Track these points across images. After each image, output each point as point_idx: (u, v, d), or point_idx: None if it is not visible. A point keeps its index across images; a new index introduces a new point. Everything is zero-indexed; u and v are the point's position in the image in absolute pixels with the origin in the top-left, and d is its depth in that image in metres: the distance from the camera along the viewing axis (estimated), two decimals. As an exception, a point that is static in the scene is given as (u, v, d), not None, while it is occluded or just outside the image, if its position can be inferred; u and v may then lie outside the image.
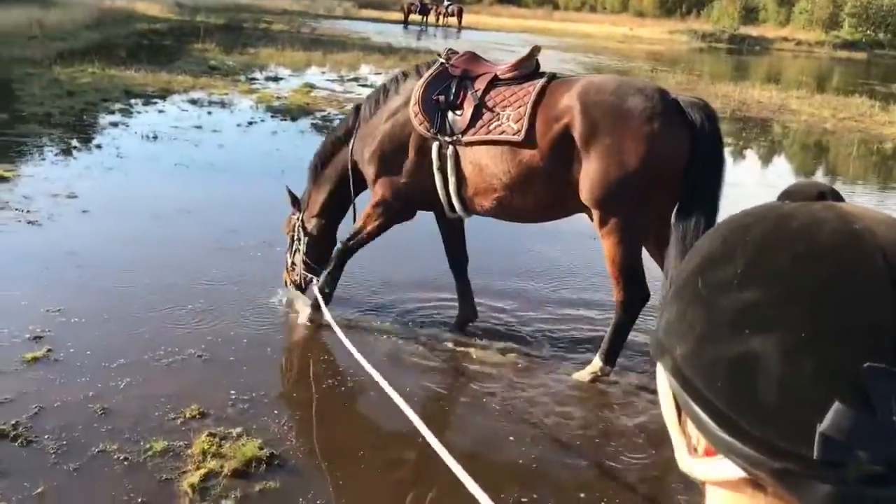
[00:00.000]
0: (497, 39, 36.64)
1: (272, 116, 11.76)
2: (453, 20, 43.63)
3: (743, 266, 0.59)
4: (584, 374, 4.28)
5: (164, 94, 12.95)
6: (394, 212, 4.53)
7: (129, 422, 3.58)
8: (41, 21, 22.00)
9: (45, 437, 3.39)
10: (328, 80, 16.85)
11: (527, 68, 4.26)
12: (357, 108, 4.72)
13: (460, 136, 4.12)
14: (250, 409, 3.79)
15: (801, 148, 14.04)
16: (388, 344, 4.59)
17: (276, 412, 3.79)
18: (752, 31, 60.84)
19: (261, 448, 3.39)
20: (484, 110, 4.10)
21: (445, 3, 44.88)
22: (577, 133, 3.83)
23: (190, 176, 8.00)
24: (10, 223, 6.06)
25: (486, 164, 4.07)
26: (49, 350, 4.13)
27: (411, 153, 4.32)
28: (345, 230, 4.91)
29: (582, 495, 3.34)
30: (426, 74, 4.34)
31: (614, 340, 4.18)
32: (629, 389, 4.27)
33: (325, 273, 4.70)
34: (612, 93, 3.85)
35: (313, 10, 48.50)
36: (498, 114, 4.03)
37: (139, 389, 3.86)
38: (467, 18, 47.22)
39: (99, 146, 8.95)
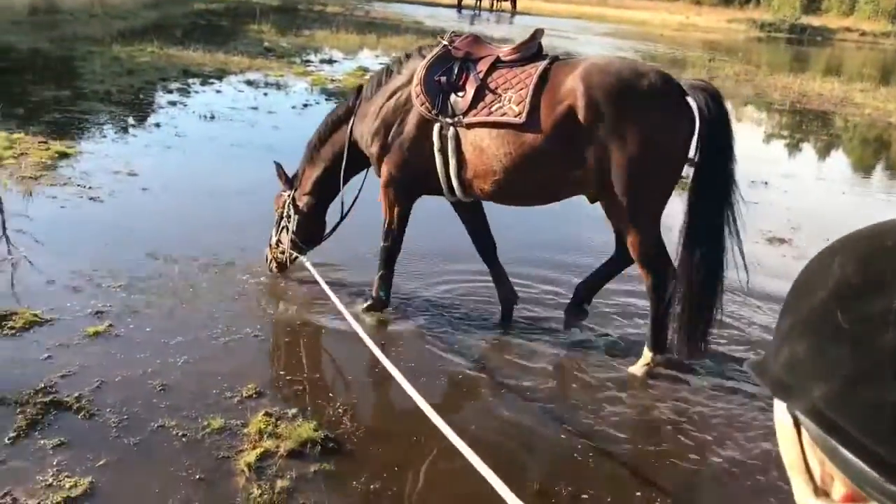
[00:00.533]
0: (551, 24, 36.28)
1: (326, 99, 11.81)
2: (507, 5, 43.23)
3: None
4: (637, 368, 4.24)
5: (221, 74, 13.09)
6: (405, 188, 4.46)
7: (187, 398, 3.63)
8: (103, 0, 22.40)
9: (107, 410, 3.46)
10: (381, 63, 16.83)
11: (529, 50, 4.23)
12: (359, 89, 4.69)
13: (461, 117, 4.09)
14: (305, 390, 3.83)
15: (862, 142, 13.64)
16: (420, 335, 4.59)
17: (330, 395, 3.81)
18: (814, 20, 59.21)
19: (316, 430, 3.42)
20: (486, 92, 4.07)
21: None
22: (579, 115, 3.80)
23: (246, 156, 8.07)
24: (73, 199, 6.19)
25: (486, 147, 4.03)
26: (110, 325, 4.21)
27: (413, 133, 4.28)
28: (333, 213, 4.96)
29: (637, 493, 3.31)
30: (429, 56, 4.32)
31: (657, 327, 4.13)
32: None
33: (377, 278, 4.64)
34: (613, 75, 3.82)
35: (366, -7, 48.54)
36: (500, 96, 4.01)
37: (197, 367, 3.92)
38: (522, 3, 46.79)
39: (157, 125, 9.09)
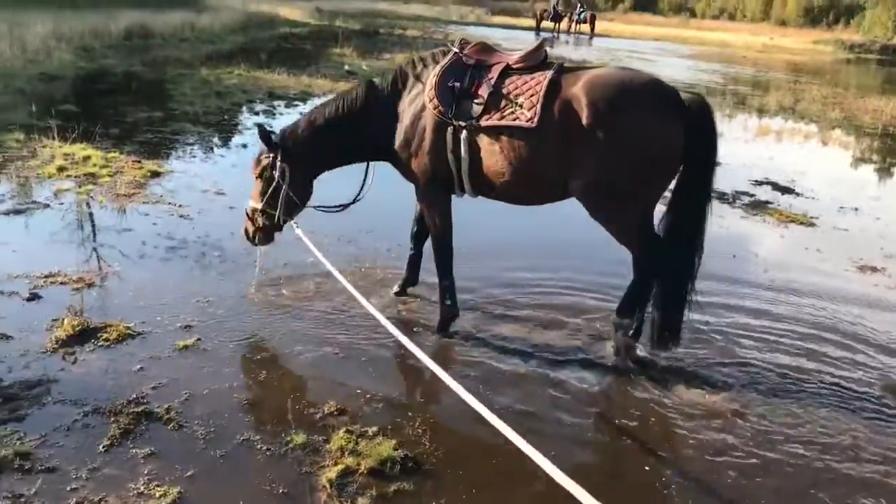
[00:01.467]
0: (631, 47, 36.01)
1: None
2: (585, 27, 43.22)
3: None
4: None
5: (305, 96, 13.41)
6: (436, 189, 4.58)
7: (271, 413, 3.71)
8: (193, 24, 23.30)
9: (195, 422, 3.57)
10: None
11: (536, 59, 4.39)
12: (370, 85, 4.70)
13: (475, 121, 4.23)
14: (386, 408, 3.86)
15: (962, 168, 13.06)
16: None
17: (409, 414, 3.83)
18: (907, 41, 57.19)
19: (396, 448, 3.44)
20: (499, 97, 4.23)
21: (577, 9, 44.51)
22: (583, 121, 3.99)
23: (327, 176, 8.20)
24: (164, 216, 6.42)
25: (499, 148, 4.21)
26: (198, 339, 4.34)
27: (431, 137, 4.39)
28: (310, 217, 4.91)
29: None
30: (442, 62, 4.43)
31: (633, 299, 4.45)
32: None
33: (440, 289, 4.73)
34: (614, 85, 4.03)
35: (446, 17, 49.21)
36: (512, 101, 4.18)
37: (280, 382, 4.01)
38: (601, 26, 46.68)
39: (244, 145, 9.35)
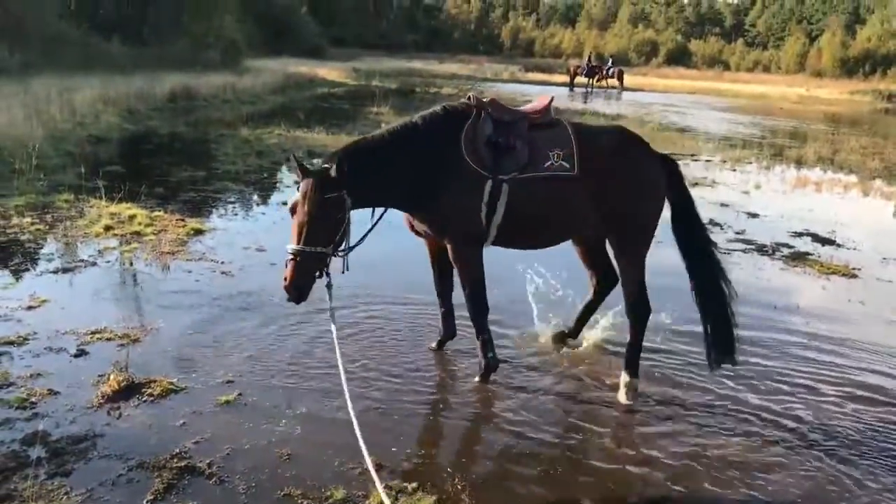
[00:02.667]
0: (665, 100, 36.17)
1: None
2: (614, 81, 43.59)
3: None
4: (622, 395, 4.78)
5: (343, 154, 13.63)
6: (471, 243, 4.58)
7: (311, 469, 3.73)
8: (233, 86, 23.97)
9: (236, 477, 3.60)
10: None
11: (550, 114, 4.73)
12: (396, 131, 4.49)
13: (517, 174, 4.42)
14: (424, 464, 3.86)
15: None
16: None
17: (449, 469, 3.82)
18: (946, 90, 56.67)
19: (435, 505, 3.43)
20: (536, 150, 4.49)
21: (607, 65, 45.05)
22: (607, 165, 4.55)
23: (374, 232, 8.32)
24: (207, 273, 6.55)
25: (540, 198, 4.48)
26: (239, 394, 4.40)
27: (469, 192, 4.42)
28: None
29: None
30: (473, 118, 4.50)
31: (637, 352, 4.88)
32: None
33: (482, 344, 4.74)
34: (617, 138, 4.79)
35: (480, 74, 49.98)
36: (547, 153, 4.49)
37: (320, 437, 4.03)
38: (635, 80, 47.09)
39: (284, 203, 9.53)
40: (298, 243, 4.05)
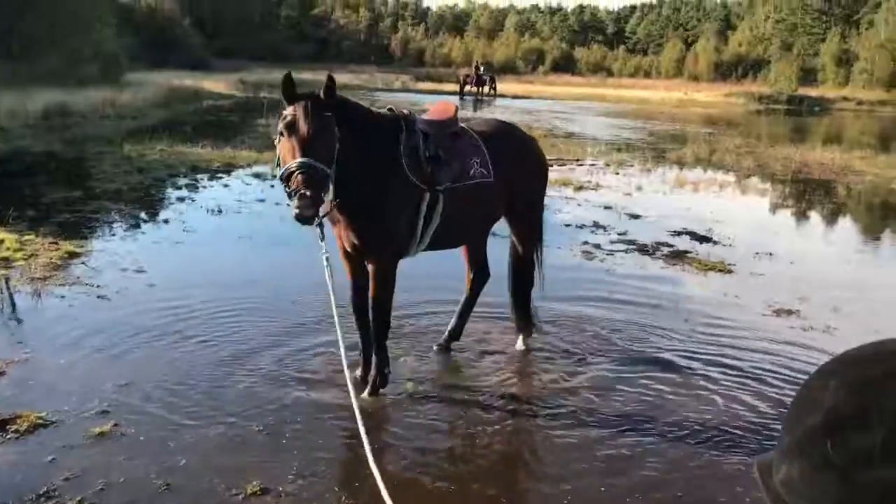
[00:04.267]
0: (551, 107, 37.05)
1: (332, 188, 11.98)
2: (486, 89, 44.02)
3: (884, 436, 0.54)
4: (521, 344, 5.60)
5: (229, 168, 13.35)
6: (396, 254, 4.65)
7: (191, 498, 3.59)
8: (113, 101, 23.08)
9: (110, 513, 3.42)
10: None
11: (457, 123, 4.93)
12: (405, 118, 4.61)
13: (451, 184, 4.59)
14: (311, 485, 3.77)
15: (866, 209, 13.71)
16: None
17: (336, 489, 3.75)
18: (812, 91, 60.28)
19: (321, 526, 3.35)
20: (460, 159, 4.71)
21: (481, 72, 45.51)
22: (511, 162, 5.00)
23: (253, 248, 8.18)
24: (81, 297, 6.25)
25: (469, 204, 4.74)
26: (115, 425, 4.19)
27: (408, 204, 4.49)
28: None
29: None
30: (406, 132, 4.50)
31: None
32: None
33: (381, 360, 4.74)
34: (513, 131, 5.49)
35: (372, 84, 49.86)
36: (470, 162, 4.76)
37: (201, 464, 3.88)
38: (524, 88, 48.00)
39: (166, 221, 9.24)
40: (304, 158, 3.85)
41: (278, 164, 4.01)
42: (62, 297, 6.26)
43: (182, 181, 12.01)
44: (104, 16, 33.33)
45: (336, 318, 3.80)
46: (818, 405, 0.59)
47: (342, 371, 4.93)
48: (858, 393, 0.56)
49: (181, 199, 10.60)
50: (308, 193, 3.77)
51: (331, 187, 4.10)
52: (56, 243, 7.75)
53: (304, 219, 3.82)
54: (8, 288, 6.41)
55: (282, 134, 3.98)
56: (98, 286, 6.54)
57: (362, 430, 3.11)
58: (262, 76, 43.60)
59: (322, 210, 3.99)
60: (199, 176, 12.49)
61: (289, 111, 3.97)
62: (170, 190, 11.39)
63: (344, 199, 4.27)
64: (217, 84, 36.82)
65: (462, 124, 5.04)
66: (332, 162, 3.99)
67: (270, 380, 4.88)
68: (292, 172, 3.86)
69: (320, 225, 4.05)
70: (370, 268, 4.56)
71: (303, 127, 3.89)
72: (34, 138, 16.08)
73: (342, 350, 3.73)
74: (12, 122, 17.27)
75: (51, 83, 23.04)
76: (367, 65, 72.34)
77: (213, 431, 4.21)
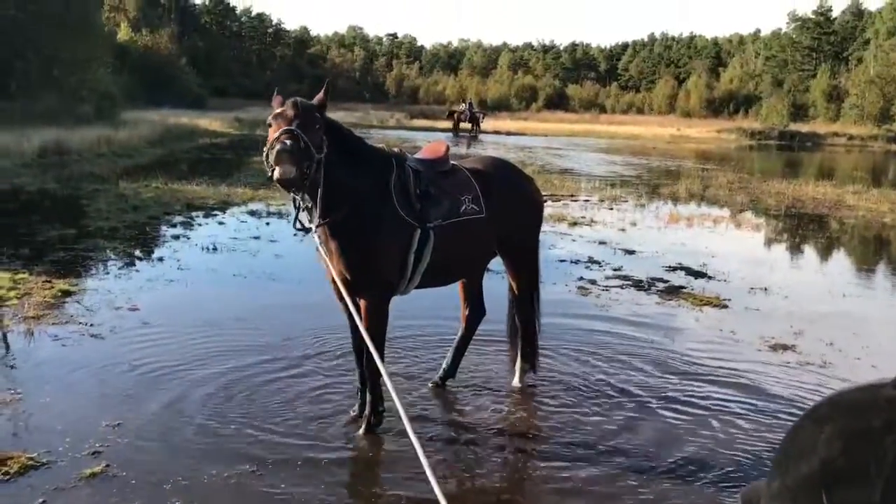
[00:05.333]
0: (545, 144, 37.28)
1: (327, 225, 12.00)
2: (468, 125, 43.80)
3: (882, 491, 0.53)
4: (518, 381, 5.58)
5: (224, 206, 13.38)
6: (389, 292, 4.68)
7: (184, 540, 3.53)
8: (109, 139, 23.19)
9: (100, 557, 3.36)
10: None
11: (448, 161, 4.98)
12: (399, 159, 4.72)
13: (441, 221, 4.63)
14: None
15: (861, 242, 13.76)
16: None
17: (330, 529, 3.70)
18: (803, 127, 60.89)
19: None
20: (451, 196, 4.75)
21: (468, 109, 45.44)
22: (502, 198, 5.00)
23: (248, 285, 8.17)
24: (74, 336, 6.21)
25: (461, 241, 4.75)
26: (107, 466, 4.13)
27: (399, 242, 4.52)
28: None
29: None
30: (397, 169, 4.57)
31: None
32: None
33: (376, 398, 4.73)
34: (506, 166, 5.49)
35: (367, 121, 50.23)
36: (461, 198, 4.79)
37: (195, 505, 3.83)
38: (517, 125, 48.38)
39: (161, 259, 9.22)
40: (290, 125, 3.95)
41: (267, 158, 3.97)
42: (55, 336, 6.22)
43: (177, 219, 12.02)
44: (101, 55, 33.61)
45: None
46: (812, 452, 0.57)
47: (344, 413, 4.96)
48: (856, 445, 0.55)
49: (176, 237, 10.60)
50: (289, 145, 3.80)
51: (320, 175, 4.09)
52: (50, 282, 7.73)
53: (286, 181, 3.85)
54: (1, 327, 6.38)
55: (269, 125, 4.11)
56: (91, 325, 6.51)
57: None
58: (257, 114, 43.86)
59: (314, 225, 4.27)
60: (194, 213, 12.50)
61: (276, 105, 4.13)
62: (164, 228, 11.40)
63: (333, 223, 4.31)
64: (213, 122, 37.05)
65: (453, 162, 5.07)
66: (318, 147, 4.03)
67: (264, 420, 4.83)
68: (276, 139, 3.90)
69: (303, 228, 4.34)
70: (361, 303, 4.55)
71: (289, 112, 4.03)
72: (30, 176, 16.14)
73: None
74: (8, 161, 17.34)
75: (48, 121, 23.20)
76: (361, 102, 73.00)
77: (207, 473, 4.15)
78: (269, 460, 4.32)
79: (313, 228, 4.28)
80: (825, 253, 12.33)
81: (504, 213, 4.98)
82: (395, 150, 4.79)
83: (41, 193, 14.11)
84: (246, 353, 5.96)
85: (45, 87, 27.79)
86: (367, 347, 4.58)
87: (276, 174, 3.83)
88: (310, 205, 4.28)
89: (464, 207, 4.78)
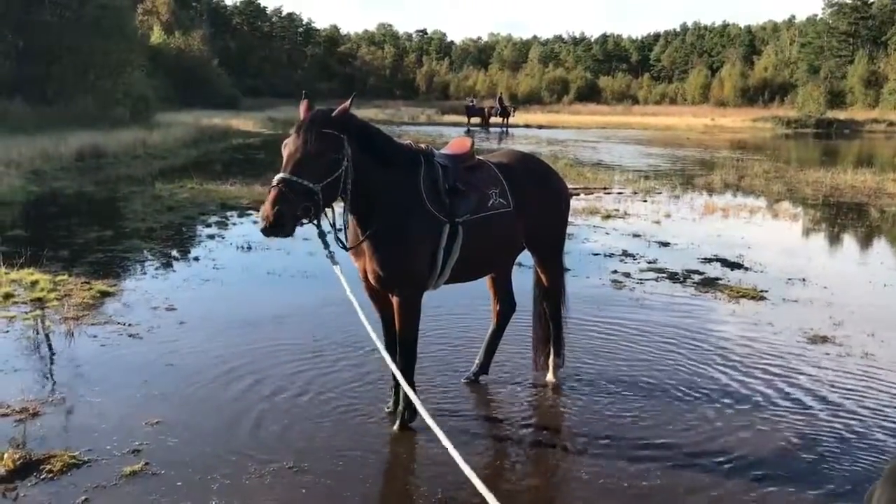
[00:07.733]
0: (577, 136, 37.05)
1: (360, 222, 12.05)
2: (497, 119, 44.23)
3: None
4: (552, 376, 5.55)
5: (258, 205, 13.41)
6: (421, 288, 4.68)
7: (223, 537, 3.57)
8: (144, 141, 23.52)
9: (142, 554, 3.41)
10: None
11: (473, 156, 4.96)
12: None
13: (470, 215, 4.61)
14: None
15: (903, 231, 13.48)
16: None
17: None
18: (840, 114, 59.74)
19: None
20: (478, 191, 4.73)
21: (498, 104, 45.72)
22: (529, 191, 5.00)
23: (282, 283, 8.23)
24: (113, 336, 6.30)
25: (489, 235, 4.75)
26: (146, 464, 4.19)
27: (429, 237, 4.51)
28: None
29: None
30: (426, 165, 4.58)
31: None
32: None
33: (404, 393, 4.66)
34: (531, 159, 5.50)
35: (398, 118, 50.34)
36: (488, 193, 4.78)
37: (233, 504, 3.86)
38: (549, 118, 48.18)
39: (196, 258, 9.33)
40: (285, 173, 3.95)
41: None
42: (94, 336, 6.32)
43: (212, 219, 12.15)
44: (135, 58, 34.07)
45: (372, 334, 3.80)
46: None
47: (387, 409, 4.97)
48: None
49: (211, 237, 10.72)
50: (270, 212, 3.87)
51: (323, 209, 4.15)
52: (88, 283, 7.86)
53: (267, 233, 3.96)
54: (42, 328, 6.50)
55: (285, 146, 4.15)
56: (130, 325, 6.60)
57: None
58: (289, 113, 44.19)
59: (349, 242, 4.46)
60: (228, 213, 12.63)
61: (302, 110, 4.18)
62: (199, 227, 11.53)
63: (371, 230, 4.37)
64: (246, 122, 37.38)
65: (480, 157, 5.06)
66: (322, 178, 4.02)
67: (305, 419, 4.86)
68: (272, 186, 3.99)
69: (331, 255, 4.23)
70: (394, 301, 4.58)
71: (292, 144, 4.02)
72: (68, 180, 16.42)
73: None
74: (47, 165, 17.64)
75: (84, 125, 23.59)
76: (393, 99, 73.14)
77: (247, 472, 4.18)
78: (308, 458, 4.35)
79: (348, 247, 4.45)
80: (865, 242, 12.09)
81: (531, 206, 4.99)
82: (423, 146, 4.80)
83: (79, 196, 14.35)
84: (282, 352, 6.00)
85: (80, 92, 28.25)
86: (400, 345, 4.64)
87: (260, 226, 3.93)
88: (348, 220, 4.42)
89: (491, 202, 4.78)
